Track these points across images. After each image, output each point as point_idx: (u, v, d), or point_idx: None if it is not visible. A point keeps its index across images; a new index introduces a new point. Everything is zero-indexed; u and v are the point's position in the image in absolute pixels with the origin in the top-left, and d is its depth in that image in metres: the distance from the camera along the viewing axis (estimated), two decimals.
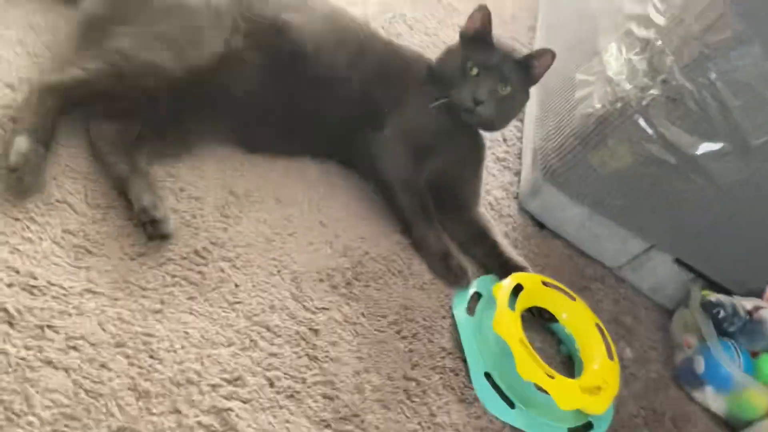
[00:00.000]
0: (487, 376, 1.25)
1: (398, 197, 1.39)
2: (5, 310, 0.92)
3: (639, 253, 1.63)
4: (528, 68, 1.43)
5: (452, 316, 1.32)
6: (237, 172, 1.30)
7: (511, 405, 1.22)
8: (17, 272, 0.96)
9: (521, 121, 1.90)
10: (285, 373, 1.07)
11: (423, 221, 1.38)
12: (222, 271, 1.14)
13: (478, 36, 1.42)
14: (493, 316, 1.27)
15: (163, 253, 1.11)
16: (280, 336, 1.11)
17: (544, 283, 1.40)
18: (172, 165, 1.23)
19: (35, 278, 0.97)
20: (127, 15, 1.18)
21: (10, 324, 0.91)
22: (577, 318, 1.40)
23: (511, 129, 1.85)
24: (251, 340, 1.08)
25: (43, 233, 1.02)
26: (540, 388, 1.20)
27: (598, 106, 1.52)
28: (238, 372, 1.03)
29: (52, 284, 0.98)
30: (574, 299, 1.41)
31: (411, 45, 1.86)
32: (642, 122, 1.45)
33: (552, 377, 1.19)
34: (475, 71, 1.38)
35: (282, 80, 1.30)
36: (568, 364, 1.40)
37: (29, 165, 1.02)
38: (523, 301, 1.34)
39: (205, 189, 1.23)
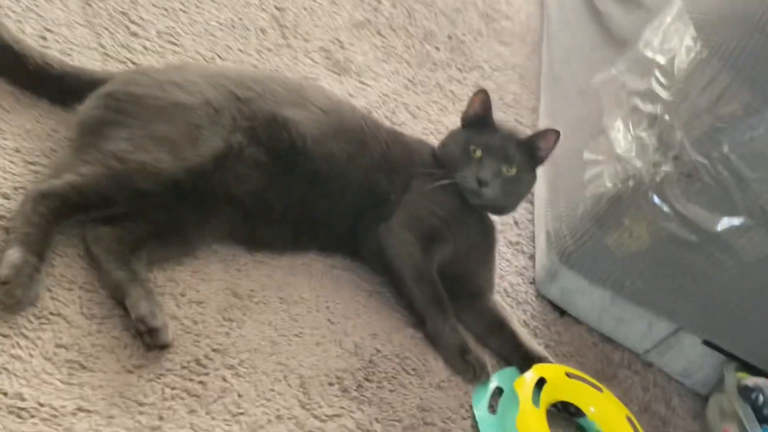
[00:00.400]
0: None
1: (409, 288, 1.33)
2: None
3: (666, 335, 1.55)
4: (533, 149, 1.41)
5: (473, 416, 1.23)
6: (240, 272, 1.25)
7: None
8: (5, 394, 0.90)
9: (531, 203, 1.86)
10: None
11: (437, 313, 1.32)
12: (224, 380, 1.07)
13: (479, 119, 1.41)
14: (517, 414, 1.19)
15: (163, 364, 1.04)
16: None
17: (568, 375, 1.32)
18: (173, 269, 1.18)
19: (24, 399, 0.90)
20: (123, 117, 1.16)
21: None
22: (606, 411, 1.31)
23: (521, 212, 1.81)
24: None
25: (33, 349, 0.96)
26: None
27: (610, 185, 1.48)
28: None
29: (42, 405, 0.91)
30: (601, 390, 1.33)
31: (415, 133, 1.85)
32: (657, 200, 1.40)
33: None
34: (478, 153, 1.37)
35: (284, 176, 1.27)
36: None
37: (20, 278, 0.97)
38: (548, 396, 1.26)
39: (207, 292, 1.18)
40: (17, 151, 1.18)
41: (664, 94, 1.42)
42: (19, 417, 0.89)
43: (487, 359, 1.33)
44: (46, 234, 1.04)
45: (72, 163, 1.12)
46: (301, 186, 1.29)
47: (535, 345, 1.39)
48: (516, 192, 1.43)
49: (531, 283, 1.64)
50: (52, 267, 1.07)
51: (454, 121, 1.98)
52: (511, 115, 2.21)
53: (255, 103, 1.27)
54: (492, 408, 1.26)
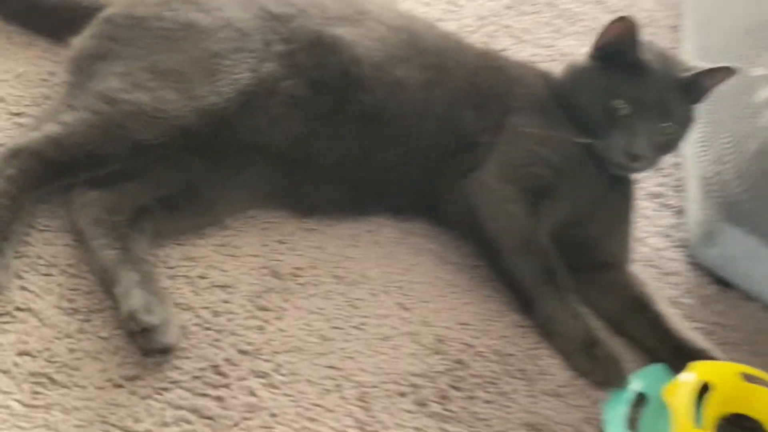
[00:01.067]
0: None
1: (510, 260, 1.01)
2: None
3: None
4: (694, 90, 1.07)
5: None
6: (283, 244, 0.98)
7: None
8: None
9: None
10: None
11: (551, 293, 0.99)
12: (252, 393, 0.80)
13: (620, 55, 1.04)
14: None
15: (167, 373, 0.79)
16: None
17: (745, 376, 0.96)
18: (192, 243, 0.93)
19: None
20: (119, 46, 0.93)
21: None
22: None
23: None
24: None
25: None
26: None
27: None
28: None
29: None
30: None
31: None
32: None
33: None
34: (626, 110, 1.02)
35: (334, 116, 1.00)
36: None
37: None
38: (715, 408, 0.92)
39: (236, 273, 0.92)
40: (1, 100, 0.99)
41: None
42: None
43: (624, 354, 0.99)
44: (14, 203, 0.82)
45: (56, 111, 0.91)
46: (359, 128, 1.01)
47: (691, 333, 1.04)
48: (669, 150, 1.10)
49: (681, 246, 1.28)
50: (27, 246, 0.84)
51: (570, 46, 1.65)
52: (644, 36, 1.82)
53: (295, 20, 1.00)
54: (632, 424, 0.92)
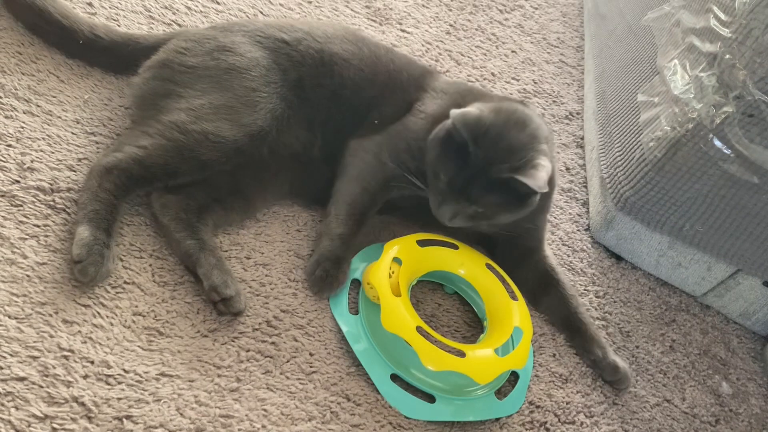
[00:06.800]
0: (394, 377, 1.11)
1: (348, 187, 1.24)
2: (83, 404, 0.89)
3: (725, 278, 1.53)
4: (515, 185, 1.13)
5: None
6: (300, 232, 1.27)
7: (431, 399, 1.11)
8: (91, 362, 0.93)
9: (582, 147, 1.83)
10: None
11: (355, 225, 1.22)
12: (295, 339, 1.10)
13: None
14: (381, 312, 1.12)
15: (235, 327, 1.07)
16: (360, 405, 1.06)
17: (420, 243, 1.23)
18: (237, 232, 1.20)
19: (109, 366, 0.94)
20: (179, 87, 1.16)
21: (89, 418, 0.88)
22: (471, 267, 1.27)
23: (572, 157, 1.79)
24: (332, 412, 1.04)
25: (113, 318, 0.99)
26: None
27: (668, 128, 1.44)
28: None
29: (127, 371, 0.95)
30: (457, 247, 1.27)
31: (461, 79, 1.82)
32: (717, 142, 1.37)
33: (462, 354, 1.09)
34: (443, 183, 1.17)
35: (328, 123, 1.28)
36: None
37: (92, 256, 0.99)
38: (408, 276, 1.19)
39: (271, 254, 1.20)
40: (77, 122, 1.20)
41: (724, 31, 1.37)
42: (107, 384, 0.92)
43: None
44: (113, 209, 1.06)
45: (133, 136, 1.12)
46: (342, 131, 1.29)
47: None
48: (487, 221, 1.20)
49: (586, 230, 1.62)
50: (121, 237, 1.09)
51: (498, 66, 1.97)
52: (555, 55, 2.16)
53: (303, 42, 1.27)
54: (353, 306, 1.20)
